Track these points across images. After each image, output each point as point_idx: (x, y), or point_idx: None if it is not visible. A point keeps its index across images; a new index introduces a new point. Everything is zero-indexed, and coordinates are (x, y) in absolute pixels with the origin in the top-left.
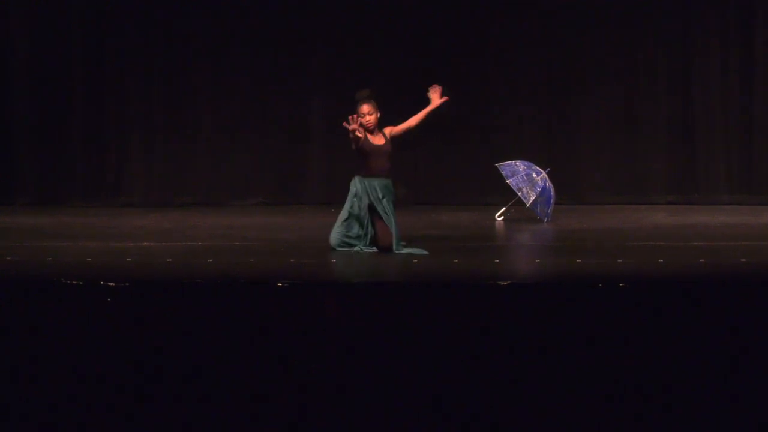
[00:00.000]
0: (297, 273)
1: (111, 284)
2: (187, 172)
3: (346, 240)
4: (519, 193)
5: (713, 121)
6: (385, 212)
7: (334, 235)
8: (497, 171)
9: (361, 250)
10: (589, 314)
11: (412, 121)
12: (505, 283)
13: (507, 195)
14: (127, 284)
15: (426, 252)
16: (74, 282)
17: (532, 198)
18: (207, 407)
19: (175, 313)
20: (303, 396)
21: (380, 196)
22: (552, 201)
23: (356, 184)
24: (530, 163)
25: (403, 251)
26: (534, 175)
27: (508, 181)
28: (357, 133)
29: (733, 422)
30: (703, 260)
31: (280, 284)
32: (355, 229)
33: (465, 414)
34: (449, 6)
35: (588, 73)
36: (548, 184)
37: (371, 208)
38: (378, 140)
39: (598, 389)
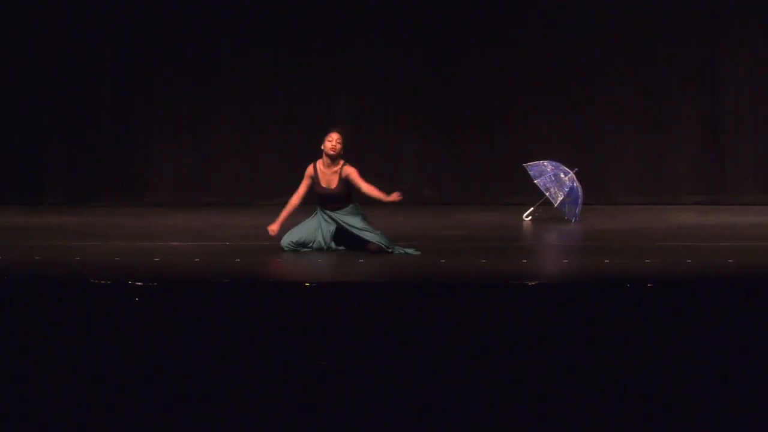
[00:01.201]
0: (324, 273)
1: (139, 284)
2: (214, 172)
3: (293, 244)
4: (547, 194)
5: (741, 121)
6: (359, 234)
7: (284, 239)
8: (525, 171)
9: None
10: (616, 314)
11: (365, 188)
12: (533, 283)
13: (535, 195)
14: (155, 284)
15: (419, 252)
16: (102, 281)
17: (560, 198)
18: (235, 405)
19: (202, 313)
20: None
21: (347, 224)
22: (580, 201)
23: (318, 212)
24: (558, 163)
25: (397, 251)
26: (562, 175)
27: (536, 182)
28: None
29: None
30: (731, 260)
31: (307, 284)
32: (305, 239)
33: (494, 413)
34: (474, 6)
35: (616, 73)
36: (576, 184)
37: (340, 231)
38: (330, 181)
39: (628, 388)
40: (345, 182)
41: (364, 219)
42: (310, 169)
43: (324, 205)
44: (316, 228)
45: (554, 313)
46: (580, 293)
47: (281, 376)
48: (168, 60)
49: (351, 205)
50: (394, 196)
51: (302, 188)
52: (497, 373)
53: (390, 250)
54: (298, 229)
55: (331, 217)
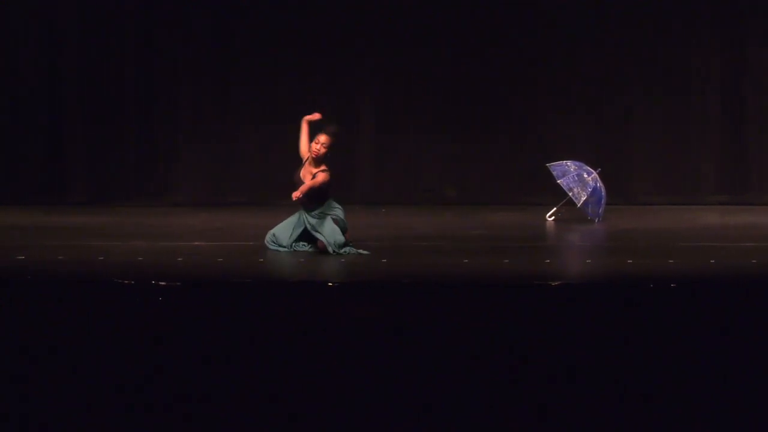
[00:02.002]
0: (347, 272)
1: (162, 283)
2: (237, 172)
3: (273, 240)
4: (570, 194)
5: (765, 120)
6: (311, 232)
7: (269, 235)
8: (548, 171)
9: (291, 249)
10: (640, 315)
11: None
12: (556, 283)
13: (558, 195)
14: (178, 284)
15: (367, 252)
16: (125, 281)
17: (583, 198)
18: (240, 405)
19: (225, 312)
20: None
21: (308, 222)
22: (603, 201)
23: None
24: (581, 163)
25: (346, 252)
26: (585, 176)
27: (559, 182)
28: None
29: None
30: (754, 261)
31: (330, 284)
32: (283, 236)
33: (527, 413)
34: (498, 6)
35: (639, 73)
36: (599, 184)
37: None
38: (305, 177)
39: (651, 388)
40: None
41: (323, 220)
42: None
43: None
44: (293, 225)
45: (577, 314)
46: (603, 293)
47: (290, 376)
48: (191, 59)
49: (320, 210)
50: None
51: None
52: (518, 374)
53: (333, 252)
54: (278, 227)
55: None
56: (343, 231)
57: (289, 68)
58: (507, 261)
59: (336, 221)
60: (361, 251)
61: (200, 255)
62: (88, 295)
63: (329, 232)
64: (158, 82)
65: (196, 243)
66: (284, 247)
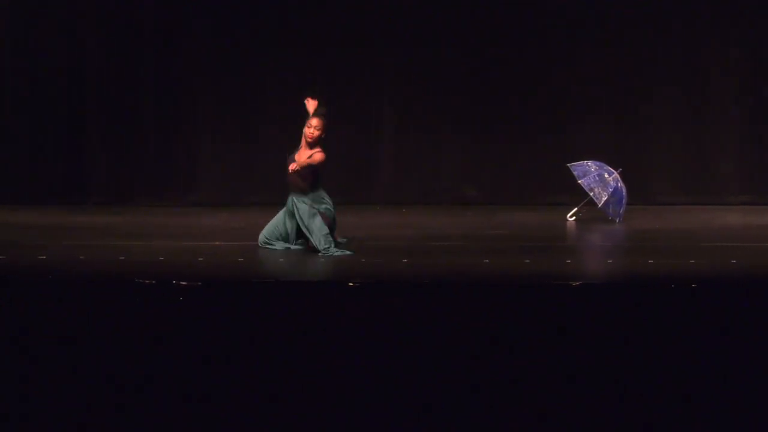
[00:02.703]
0: (369, 272)
1: (183, 283)
2: (258, 172)
3: (266, 240)
4: (591, 194)
5: None
6: (298, 225)
7: (261, 235)
8: (569, 171)
9: (289, 248)
10: (661, 315)
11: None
12: (577, 283)
13: (578, 195)
14: (199, 283)
15: (351, 252)
16: (147, 281)
17: (604, 198)
18: (280, 404)
19: (246, 312)
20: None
21: (292, 209)
22: (624, 201)
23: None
24: (602, 164)
25: (330, 253)
26: (606, 176)
27: (579, 182)
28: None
29: None
30: None
31: (351, 284)
32: (277, 232)
33: (551, 413)
34: (518, 5)
35: (660, 72)
36: (620, 184)
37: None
38: (300, 157)
39: (673, 388)
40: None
41: (314, 217)
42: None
43: (288, 185)
44: (282, 221)
45: (598, 314)
46: (623, 294)
47: (309, 375)
48: (211, 60)
49: (311, 196)
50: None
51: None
52: (539, 374)
53: (321, 253)
54: (269, 226)
55: (290, 201)
56: (332, 228)
57: (310, 68)
58: (527, 261)
59: (324, 216)
60: (346, 251)
61: (221, 255)
62: (109, 295)
63: (317, 230)
64: (179, 82)
65: (217, 243)
66: (277, 244)
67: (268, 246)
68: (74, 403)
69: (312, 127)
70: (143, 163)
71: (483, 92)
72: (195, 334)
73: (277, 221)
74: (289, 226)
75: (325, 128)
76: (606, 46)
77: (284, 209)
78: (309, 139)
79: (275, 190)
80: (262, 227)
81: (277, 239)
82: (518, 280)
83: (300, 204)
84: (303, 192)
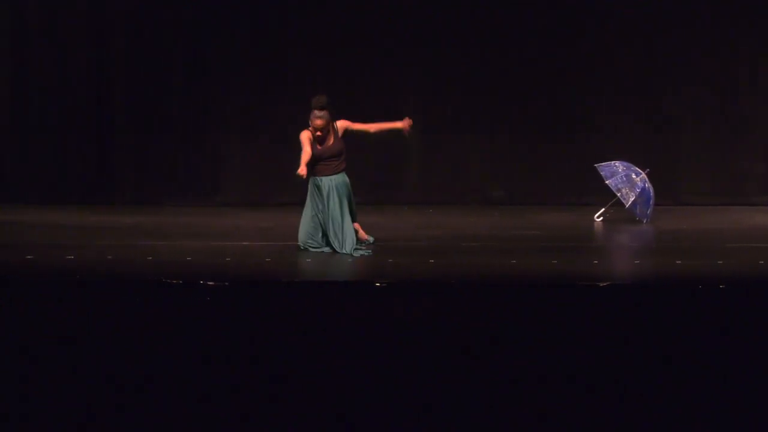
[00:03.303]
0: (396, 273)
1: (210, 283)
2: (284, 171)
3: (311, 242)
4: (618, 194)
5: None
6: (326, 213)
7: (301, 235)
8: (596, 171)
9: (352, 254)
10: (689, 315)
11: (371, 127)
12: (604, 284)
13: (606, 196)
14: (226, 284)
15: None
16: (174, 281)
17: (632, 199)
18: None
19: (274, 312)
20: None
21: (334, 194)
22: (651, 202)
23: (310, 183)
24: (629, 164)
25: (350, 252)
26: (633, 176)
27: (607, 182)
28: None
29: None
30: None
31: (378, 284)
32: (320, 231)
33: (585, 412)
34: (545, 6)
35: (688, 73)
36: (648, 184)
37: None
38: (326, 141)
39: (701, 388)
40: (342, 137)
41: (350, 200)
42: (307, 133)
43: (319, 170)
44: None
45: (625, 314)
46: (651, 294)
47: (336, 376)
48: (239, 59)
49: (344, 171)
50: (406, 122)
51: (308, 149)
52: (567, 373)
53: (349, 252)
54: (306, 225)
55: (317, 187)
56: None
57: (336, 68)
58: (555, 261)
59: (352, 214)
60: (365, 252)
61: (248, 255)
62: (137, 295)
63: (348, 231)
64: (206, 82)
65: (244, 243)
66: (321, 245)
67: (312, 248)
68: (98, 401)
69: (317, 118)
70: (171, 163)
71: (511, 93)
72: (221, 334)
73: (314, 222)
74: (314, 215)
75: (332, 115)
76: (634, 46)
77: (310, 210)
78: (321, 132)
79: (303, 189)
80: (290, 227)
81: (321, 237)
82: (545, 280)
83: (338, 187)
84: (341, 167)
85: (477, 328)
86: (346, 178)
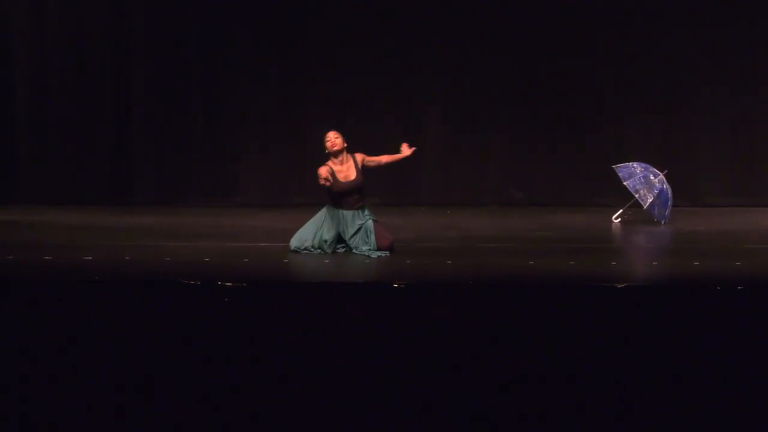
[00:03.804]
0: (414, 274)
1: (228, 284)
2: (302, 173)
3: (306, 246)
4: (636, 195)
5: None
6: (352, 247)
7: (294, 241)
8: (614, 173)
9: (369, 255)
10: (707, 317)
11: (384, 159)
12: (622, 285)
13: (624, 197)
14: (244, 284)
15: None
16: (192, 282)
17: (650, 200)
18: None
19: (291, 313)
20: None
21: (351, 231)
22: (669, 203)
23: (326, 212)
24: (647, 165)
25: (367, 253)
26: (651, 177)
27: (625, 183)
28: (325, 183)
29: None
30: None
31: (396, 285)
32: (316, 242)
33: (608, 413)
34: (563, 7)
35: (705, 73)
36: (666, 186)
37: (340, 238)
38: (348, 175)
39: (720, 390)
40: (362, 170)
41: (369, 229)
42: (324, 170)
43: (346, 203)
44: (318, 228)
45: (643, 316)
46: (669, 296)
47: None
48: (257, 60)
49: (362, 207)
50: (406, 150)
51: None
52: (584, 374)
53: (367, 255)
54: (306, 231)
55: (342, 219)
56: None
57: (355, 69)
58: (573, 262)
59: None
60: (382, 254)
61: (266, 256)
62: (155, 296)
63: (374, 240)
64: (224, 83)
65: (262, 244)
66: (319, 249)
67: (302, 250)
68: (129, 400)
69: (332, 139)
70: (189, 164)
71: (529, 94)
72: (239, 334)
73: (314, 228)
74: (329, 236)
75: (343, 136)
76: (655, 46)
77: (323, 218)
78: (337, 149)
79: (320, 191)
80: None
81: (313, 246)
82: (564, 281)
83: (358, 221)
84: (364, 199)
85: (495, 329)
86: (365, 210)
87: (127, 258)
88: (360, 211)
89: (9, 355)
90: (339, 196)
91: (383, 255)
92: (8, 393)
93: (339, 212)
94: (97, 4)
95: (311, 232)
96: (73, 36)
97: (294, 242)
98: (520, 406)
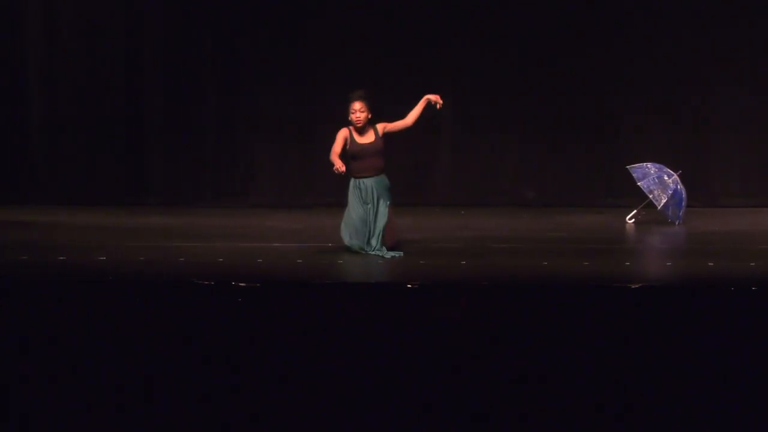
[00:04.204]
0: (427, 274)
1: (242, 285)
2: (316, 173)
3: (355, 242)
4: (650, 196)
5: None
6: (375, 213)
7: (344, 235)
8: (628, 173)
9: (383, 256)
10: (721, 318)
11: (409, 119)
12: (636, 286)
13: (638, 197)
14: (258, 285)
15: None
16: (206, 282)
17: (664, 200)
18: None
19: (305, 314)
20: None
21: (376, 196)
22: (683, 204)
23: (352, 185)
24: (662, 166)
25: (380, 254)
26: (665, 178)
27: (639, 184)
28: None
29: None
30: None
31: (410, 285)
32: (361, 230)
33: (617, 415)
34: (577, 8)
35: (720, 74)
36: (680, 186)
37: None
38: (367, 138)
39: (734, 391)
40: (383, 137)
41: (388, 199)
42: (344, 132)
43: (361, 170)
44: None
45: (657, 316)
46: (683, 296)
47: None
48: (271, 60)
49: (384, 174)
50: (433, 97)
51: (337, 148)
52: (598, 375)
53: (376, 252)
54: (349, 224)
55: (366, 187)
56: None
57: (368, 69)
58: (587, 263)
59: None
60: (396, 254)
61: (280, 256)
62: (169, 296)
63: (381, 234)
64: (238, 84)
65: (276, 244)
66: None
67: (355, 248)
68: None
69: (357, 111)
70: (203, 164)
71: (542, 94)
72: (252, 335)
73: (356, 218)
74: (363, 214)
75: (370, 108)
76: (666, 48)
77: (356, 201)
78: (359, 124)
79: (334, 191)
80: (321, 228)
81: (366, 240)
82: (577, 282)
83: (381, 189)
84: (382, 169)
85: (508, 330)
86: (387, 181)
87: (141, 258)
88: (378, 178)
89: (19, 355)
90: (356, 158)
91: (397, 255)
92: (8, 393)
93: (356, 186)
94: (110, 7)
95: (352, 222)
96: (86, 37)
97: (345, 238)
98: (537, 407)
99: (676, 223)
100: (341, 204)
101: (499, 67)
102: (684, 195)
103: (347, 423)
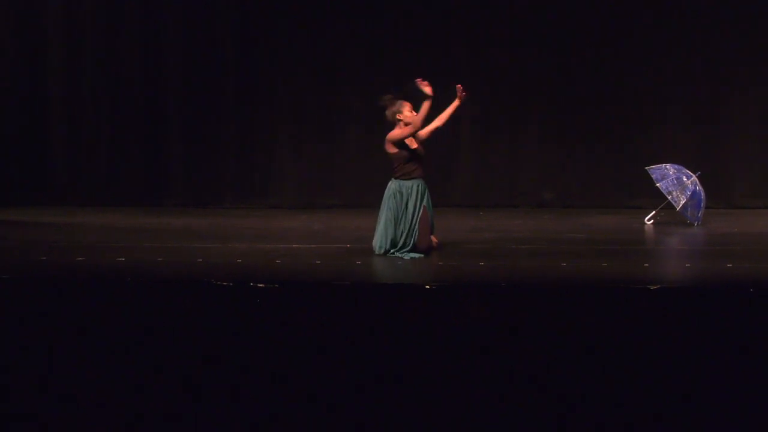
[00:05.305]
0: (446, 275)
1: (260, 285)
2: (335, 174)
3: (388, 247)
4: (669, 197)
5: None
6: (416, 216)
7: (377, 242)
8: (647, 174)
9: (402, 257)
10: (740, 319)
11: (438, 122)
12: (655, 287)
13: (657, 198)
14: (276, 286)
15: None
16: (224, 283)
17: (683, 202)
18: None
19: (324, 314)
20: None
21: (421, 198)
22: (702, 205)
23: (393, 187)
24: (680, 167)
25: (400, 255)
26: (684, 179)
27: (658, 185)
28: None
29: None
30: None
31: (428, 287)
32: (397, 234)
33: (651, 418)
34: (598, 9)
35: (740, 75)
36: (699, 187)
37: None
38: (416, 143)
39: (755, 392)
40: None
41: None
42: (398, 131)
43: (411, 171)
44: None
45: (676, 318)
46: (702, 297)
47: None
48: (291, 60)
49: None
50: (459, 95)
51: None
52: (619, 376)
53: (400, 256)
54: (385, 230)
55: (411, 189)
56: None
57: (387, 70)
58: (605, 264)
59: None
60: (415, 255)
61: (298, 257)
62: (187, 297)
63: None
64: (257, 84)
65: (295, 245)
66: (397, 250)
67: (391, 253)
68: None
69: (412, 111)
70: (222, 165)
71: (561, 95)
72: (271, 336)
73: (391, 221)
74: (398, 217)
75: (401, 106)
76: (686, 50)
77: (391, 207)
78: (415, 123)
79: (353, 192)
80: (340, 229)
81: (398, 242)
82: (596, 283)
83: (425, 192)
84: (423, 176)
85: (527, 331)
86: (424, 183)
87: (159, 259)
88: (421, 180)
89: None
90: (410, 160)
91: (417, 257)
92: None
93: (398, 190)
94: (130, 6)
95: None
96: (106, 38)
97: (380, 243)
98: (555, 406)
99: (695, 224)
100: (360, 205)
101: (518, 68)
102: (703, 196)
103: (365, 421)
